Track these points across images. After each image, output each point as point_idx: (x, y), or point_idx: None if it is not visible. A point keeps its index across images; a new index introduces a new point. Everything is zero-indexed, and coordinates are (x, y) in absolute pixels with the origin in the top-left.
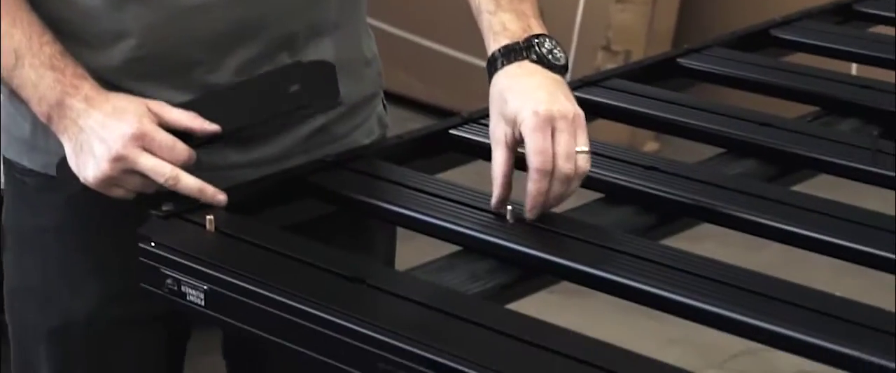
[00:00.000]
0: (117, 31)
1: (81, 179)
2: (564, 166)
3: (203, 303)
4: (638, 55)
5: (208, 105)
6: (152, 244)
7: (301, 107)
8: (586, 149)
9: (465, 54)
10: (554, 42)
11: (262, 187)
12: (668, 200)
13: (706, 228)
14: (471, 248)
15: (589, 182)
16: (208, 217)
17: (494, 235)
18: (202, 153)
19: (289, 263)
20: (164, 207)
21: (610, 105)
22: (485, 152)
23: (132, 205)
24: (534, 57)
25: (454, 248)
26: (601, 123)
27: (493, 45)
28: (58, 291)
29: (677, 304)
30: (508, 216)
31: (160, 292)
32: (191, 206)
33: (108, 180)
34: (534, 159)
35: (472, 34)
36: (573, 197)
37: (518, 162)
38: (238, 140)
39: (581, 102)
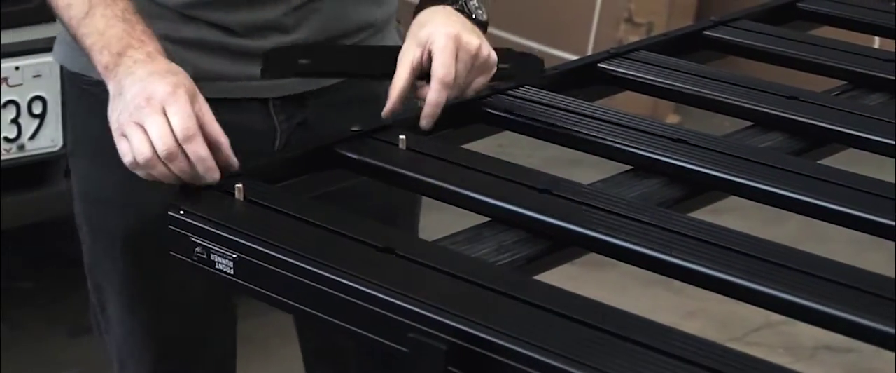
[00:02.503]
0: None
1: (110, 122)
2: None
3: (232, 272)
4: (660, 27)
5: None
6: (181, 212)
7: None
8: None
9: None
10: (481, 5)
11: (290, 157)
12: (696, 173)
13: (726, 201)
14: (498, 219)
15: (617, 154)
16: (238, 186)
17: (522, 205)
18: (252, 65)
19: (319, 232)
20: None
21: (637, 78)
22: (513, 124)
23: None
24: (458, 6)
25: (481, 218)
26: (623, 94)
27: None
28: (131, 193)
29: (705, 276)
30: (401, 145)
31: (189, 260)
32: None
33: (128, 121)
34: (439, 71)
35: (498, 7)
36: (601, 169)
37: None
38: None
39: (609, 75)
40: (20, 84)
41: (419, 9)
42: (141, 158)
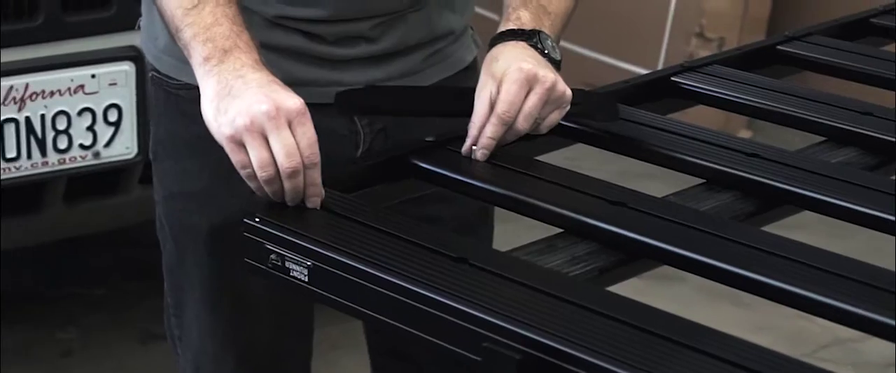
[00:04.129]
0: None
1: (214, 126)
2: (522, 124)
3: (307, 279)
4: (732, 42)
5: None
6: (257, 220)
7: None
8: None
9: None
10: (556, 44)
11: (365, 167)
12: (770, 187)
13: (793, 218)
14: (571, 230)
15: (691, 167)
16: None
17: (595, 217)
18: (338, 72)
19: (393, 241)
20: None
21: (711, 92)
22: (586, 136)
23: None
24: (532, 42)
25: (546, 230)
26: (695, 109)
27: (501, 28)
28: (217, 191)
29: (778, 290)
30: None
31: (263, 267)
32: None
33: (250, 127)
34: (499, 106)
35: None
36: (670, 183)
37: None
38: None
39: (682, 89)
40: (96, 92)
41: (493, 43)
42: (265, 174)
